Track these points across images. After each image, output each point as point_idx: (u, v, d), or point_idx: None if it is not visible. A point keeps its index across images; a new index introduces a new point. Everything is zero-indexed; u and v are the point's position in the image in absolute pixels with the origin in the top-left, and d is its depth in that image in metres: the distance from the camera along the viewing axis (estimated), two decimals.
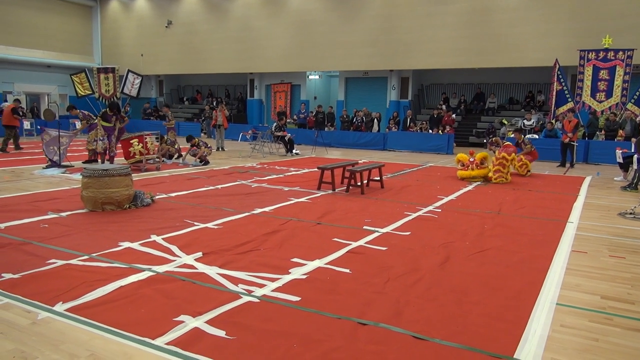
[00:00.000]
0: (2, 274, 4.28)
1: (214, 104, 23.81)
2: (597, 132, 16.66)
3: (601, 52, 15.03)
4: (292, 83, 24.47)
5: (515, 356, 3.12)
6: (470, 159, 10.90)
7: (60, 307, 3.66)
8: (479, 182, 10.53)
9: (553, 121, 16.25)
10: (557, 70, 15.24)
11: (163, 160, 12.58)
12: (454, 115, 19.36)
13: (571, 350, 3.23)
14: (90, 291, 3.94)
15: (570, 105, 15.14)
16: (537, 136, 16.97)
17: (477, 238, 5.94)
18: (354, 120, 20.59)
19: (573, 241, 5.93)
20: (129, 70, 25.39)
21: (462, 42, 19.02)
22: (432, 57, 19.67)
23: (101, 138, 11.61)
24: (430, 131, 18.76)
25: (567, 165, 14.14)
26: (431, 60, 19.81)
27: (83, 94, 24.87)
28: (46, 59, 25.72)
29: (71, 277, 4.26)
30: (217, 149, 16.74)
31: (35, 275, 4.29)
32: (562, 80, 15.26)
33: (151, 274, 4.39)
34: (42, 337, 3.23)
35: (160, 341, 3.19)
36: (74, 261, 4.68)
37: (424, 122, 19.25)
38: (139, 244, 5.32)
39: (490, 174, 10.71)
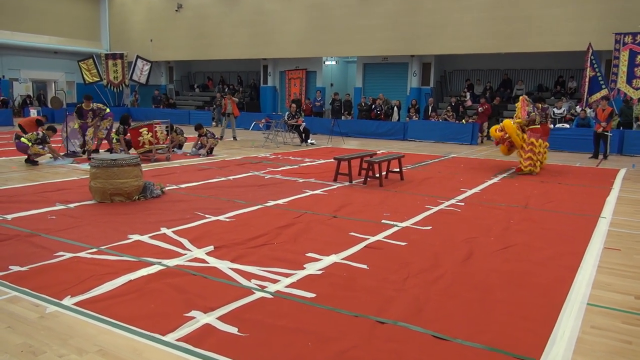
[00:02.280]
0: (10, 267, 4.37)
1: (225, 91, 23.92)
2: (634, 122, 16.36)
3: (638, 36, 14.70)
4: (307, 69, 24.39)
5: (542, 359, 3.09)
6: (499, 130, 11.14)
7: (68, 300, 3.73)
8: (504, 175, 10.43)
9: (586, 109, 15.97)
10: (590, 55, 14.95)
11: (173, 150, 12.68)
12: (482, 107, 18.83)
13: (602, 353, 3.19)
14: (99, 285, 4.01)
15: (604, 92, 14.86)
16: (567, 125, 16.72)
17: (502, 233, 5.90)
18: (373, 108, 20.48)
19: (605, 237, 5.85)
20: (137, 56, 25.60)
21: (488, 25, 18.75)
22: (456, 42, 19.44)
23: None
24: (456, 121, 18.56)
25: (600, 156, 13.92)
26: (455, 45, 19.58)
27: (91, 81, 25.16)
28: (53, 44, 26.01)
29: (79, 270, 4.34)
30: (220, 138, 16.76)
31: (43, 268, 4.37)
32: (595, 65, 14.98)
33: (161, 267, 4.45)
34: (50, 331, 3.30)
35: (170, 337, 3.23)
36: (82, 254, 4.76)
37: (449, 109, 19.02)
38: (149, 236, 5.38)
39: (521, 162, 10.67)
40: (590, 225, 6.38)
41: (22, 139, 10.32)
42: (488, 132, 17.52)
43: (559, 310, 3.78)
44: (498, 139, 11.34)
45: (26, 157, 10.31)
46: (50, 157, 10.78)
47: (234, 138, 17.00)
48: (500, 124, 11.25)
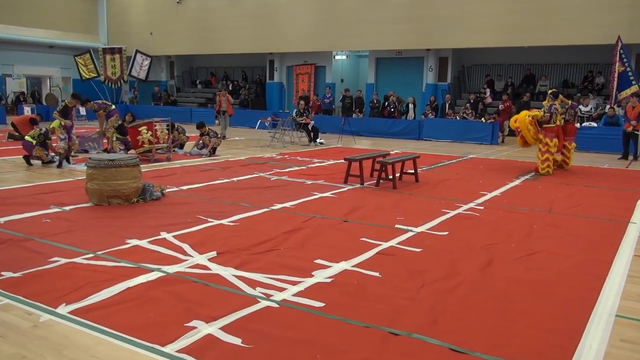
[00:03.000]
0: (2, 273, 4.41)
1: (221, 87, 23.98)
2: None
3: None
4: (316, 64, 24.42)
5: None
6: (515, 122, 11.28)
7: (63, 309, 3.75)
8: (527, 177, 10.38)
9: (614, 107, 15.84)
10: (619, 48, 14.83)
11: (174, 150, 12.74)
12: (502, 104, 18.66)
13: None
14: (96, 292, 4.03)
15: (634, 89, 14.72)
16: (595, 124, 16.60)
17: (524, 239, 5.87)
18: (386, 105, 20.45)
19: (635, 244, 5.80)
20: (137, 51, 25.75)
21: (509, 17, 18.66)
22: (475, 35, 19.36)
23: (62, 137, 10.70)
24: (476, 119, 18.46)
25: (630, 157, 13.80)
26: (474, 38, 19.51)
27: (88, 76, 25.34)
28: (48, 38, 26.21)
29: (75, 276, 4.37)
30: (223, 137, 16.79)
31: (37, 274, 4.41)
32: (625, 60, 14.85)
33: (161, 274, 4.47)
34: (44, 341, 3.32)
35: (170, 348, 3.24)
36: (78, 259, 4.79)
37: (468, 107, 18.91)
38: (148, 241, 5.41)
39: (538, 164, 10.80)
40: (619, 231, 6.32)
41: (27, 138, 10.57)
42: (509, 130, 17.43)
43: (586, 322, 3.75)
44: (515, 131, 11.57)
45: (27, 155, 10.40)
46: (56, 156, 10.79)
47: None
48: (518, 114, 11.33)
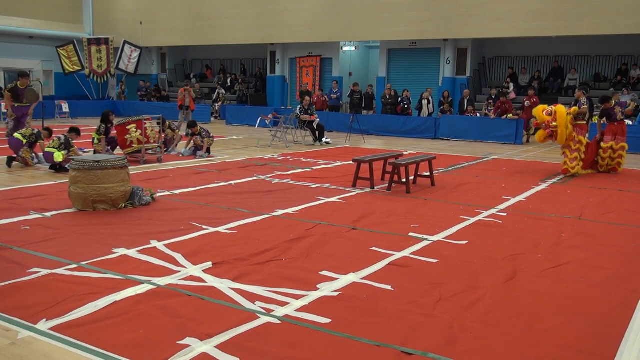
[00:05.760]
0: None
1: (221, 81, 23.93)
2: None
3: None
4: (322, 56, 24.44)
5: None
6: (547, 114, 10.88)
7: (43, 325, 3.77)
8: (554, 180, 10.35)
9: None
10: None
11: (166, 150, 12.77)
12: (529, 100, 18.51)
13: None
14: (79, 307, 4.04)
15: None
16: (630, 122, 16.53)
17: (552, 249, 5.86)
18: (400, 101, 20.44)
19: None
20: (125, 42, 25.85)
21: (536, 4, 18.65)
22: (497, 23, 19.36)
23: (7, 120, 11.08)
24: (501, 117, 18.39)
25: None
26: (496, 27, 19.50)
27: (71, 70, 25.46)
28: (28, 28, 26.30)
29: (57, 289, 4.38)
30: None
31: (14, 287, 4.43)
32: None
33: (151, 287, 4.48)
34: None
35: None
36: (60, 270, 4.81)
37: (491, 103, 18.82)
38: (137, 250, 5.43)
39: (567, 163, 10.77)
40: None
41: (17, 135, 10.52)
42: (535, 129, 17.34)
43: (620, 341, 3.74)
44: (541, 123, 11.04)
45: (12, 156, 10.39)
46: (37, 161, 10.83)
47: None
48: (552, 107, 11.02)
